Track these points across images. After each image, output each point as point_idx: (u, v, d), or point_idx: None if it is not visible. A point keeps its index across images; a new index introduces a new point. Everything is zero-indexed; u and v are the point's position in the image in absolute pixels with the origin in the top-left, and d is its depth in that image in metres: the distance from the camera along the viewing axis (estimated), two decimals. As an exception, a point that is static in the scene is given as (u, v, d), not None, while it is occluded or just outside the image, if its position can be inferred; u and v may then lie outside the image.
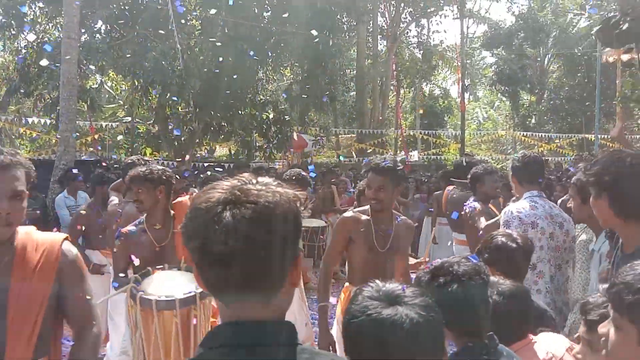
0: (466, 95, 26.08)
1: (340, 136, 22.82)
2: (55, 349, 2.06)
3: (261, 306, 1.08)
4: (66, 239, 2.08)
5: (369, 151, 18.74)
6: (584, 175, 2.30)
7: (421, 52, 23.85)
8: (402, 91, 26.22)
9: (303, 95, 14.89)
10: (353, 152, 21.31)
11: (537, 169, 3.61)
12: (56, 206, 7.32)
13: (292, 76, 17.73)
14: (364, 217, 3.43)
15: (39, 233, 2.06)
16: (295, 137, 15.40)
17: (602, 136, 19.28)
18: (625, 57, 13.71)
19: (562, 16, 25.16)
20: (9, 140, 22.90)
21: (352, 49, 20.68)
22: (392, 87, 21.92)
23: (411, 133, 24.43)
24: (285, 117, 14.81)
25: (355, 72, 20.30)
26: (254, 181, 1.12)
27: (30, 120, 15.51)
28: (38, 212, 7.22)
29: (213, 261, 1.04)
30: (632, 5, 7.99)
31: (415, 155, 24.40)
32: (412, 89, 27.17)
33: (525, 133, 23.53)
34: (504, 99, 30.07)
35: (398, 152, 23.90)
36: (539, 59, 26.42)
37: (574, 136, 22.72)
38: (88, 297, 2.07)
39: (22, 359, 1.90)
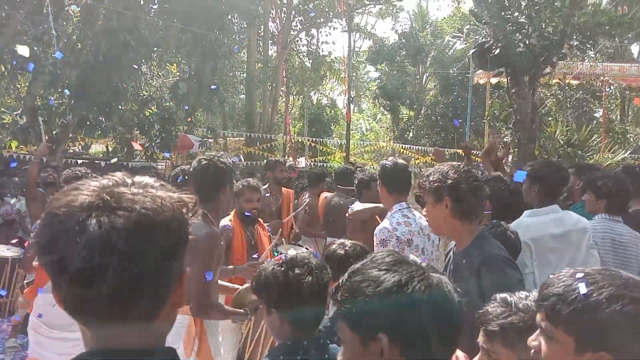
0: (351, 106, 26.91)
1: (228, 139, 22.48)
2: None
3: (136, 333, 0.90)
4: None
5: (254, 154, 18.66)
6: (426, 184, 2.48)
7: (310, 61, 24.28)
8: (291, 98, 26.45)
9: (189, 94, 14.44)
10: (242, 156, 21.07)
11: (408, 178, 3.53)
12: None
13: (178, 73, 17.13)
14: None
15: None
16: (181, 137, 14.86)
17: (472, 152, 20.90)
18: (494, 80, 15.04)
19: (440, 38, 26.96)
20: None
21: (242, 51, 20.49)
22: (281, 93, 22.05)
23: (299, 140, 24.72)
24: (168, 115, 14.20)
25: (245, 75, 20.12)
26: (129, 182, 0.92)
27: None
28: None
29: (73, 280, 0.85)
30: (503, 32, 8.75)
31: (302, 162, 24.70)
32: (301, 96, 27.52)
33: (403, 145, 24.81)
34: (385, 112, 31.50)
35: (287, 157, 24.06)
36: (418, 77, 28.03)
37: (447, 150, 24.38)
38: None
39: None
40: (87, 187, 0.89)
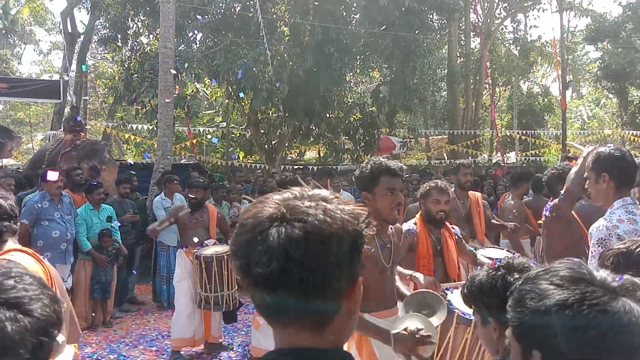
0: (568, 92, 24.53)
1: (430, 138, 22.34)
2: None
3: (311, 334, 1.00)
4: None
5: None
6: None
7: (518, 48, 22.76)
8: (497, 89, 25.15)
9: (391, 97, 14.70)
10: (445, 154, 20.76)
11: (637, 168, 2.97)
12: (153, 207, 7.79)
13: (380, 78, 17.57)
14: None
15: None
16: (386, 139, 15.21)
17: None
18: None
19: (678, 3, 22.94)
20: (118, 146, 24.73)
21: (443, 47, 20.13)
22: (486, 86, 21.08)
23: (508, 133, 23.35)
24: (371, 119, 14.64)
25: (446, 71, 19.74)
26: (305, 195, 1.03)
27: (134, 126, 16.62)
28: (137, 215, 7.68)
29: (255, 283, 0.98)
30: None
31: (512, 157, 23.29)
32: (509, 87, 25.98)
33: (635, 132, 21.67)
34: (610, 96, 27.95)
35: (494, 153, 22.98)
36: (650, 52, 24.26)
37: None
38: None
39: None
40: (271, 200, 1.02)
